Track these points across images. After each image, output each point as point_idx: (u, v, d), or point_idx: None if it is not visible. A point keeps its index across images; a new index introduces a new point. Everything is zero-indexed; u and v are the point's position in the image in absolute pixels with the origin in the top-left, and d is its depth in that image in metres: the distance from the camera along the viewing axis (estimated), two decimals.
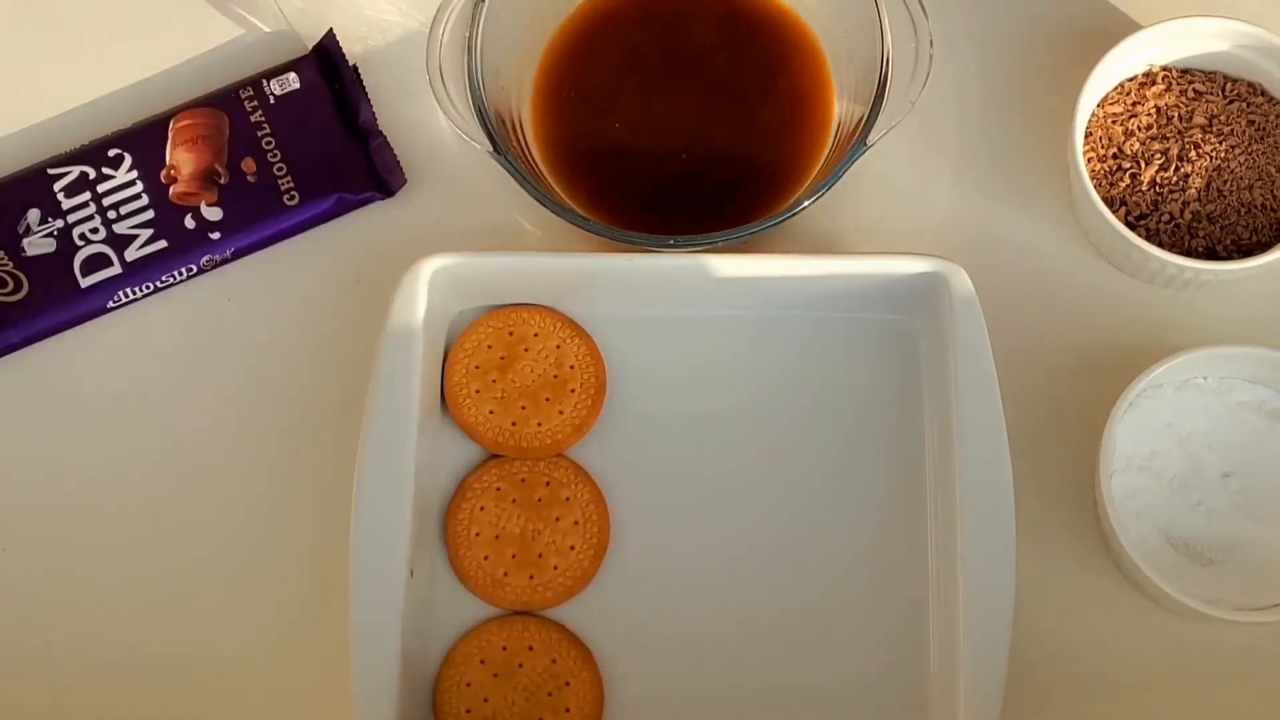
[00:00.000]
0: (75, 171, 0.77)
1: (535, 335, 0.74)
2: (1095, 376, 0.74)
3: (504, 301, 0.75)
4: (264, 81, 0.78)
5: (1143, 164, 0.74)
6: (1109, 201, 0.74)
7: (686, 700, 0.71)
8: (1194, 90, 0.75)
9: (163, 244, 0.76)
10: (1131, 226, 0.74)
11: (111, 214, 0.76)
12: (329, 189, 0.77)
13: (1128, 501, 0.71)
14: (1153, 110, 0.75)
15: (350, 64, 0.79)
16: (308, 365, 0.76)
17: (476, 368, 0.74)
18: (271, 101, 0.78)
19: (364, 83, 0.79)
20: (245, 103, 0.78)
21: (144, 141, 0.77)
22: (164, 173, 0.77)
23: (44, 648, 0.73)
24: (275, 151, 0.77)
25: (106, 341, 0.77)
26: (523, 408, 0.73)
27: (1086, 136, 0.75)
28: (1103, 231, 0.73)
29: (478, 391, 0.73)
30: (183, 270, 0.76)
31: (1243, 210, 0.74)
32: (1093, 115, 0.76)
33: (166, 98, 0.79)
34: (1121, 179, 0.74)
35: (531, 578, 0.72)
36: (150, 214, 0.76)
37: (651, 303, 0.75)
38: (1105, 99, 0.76)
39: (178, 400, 0.76)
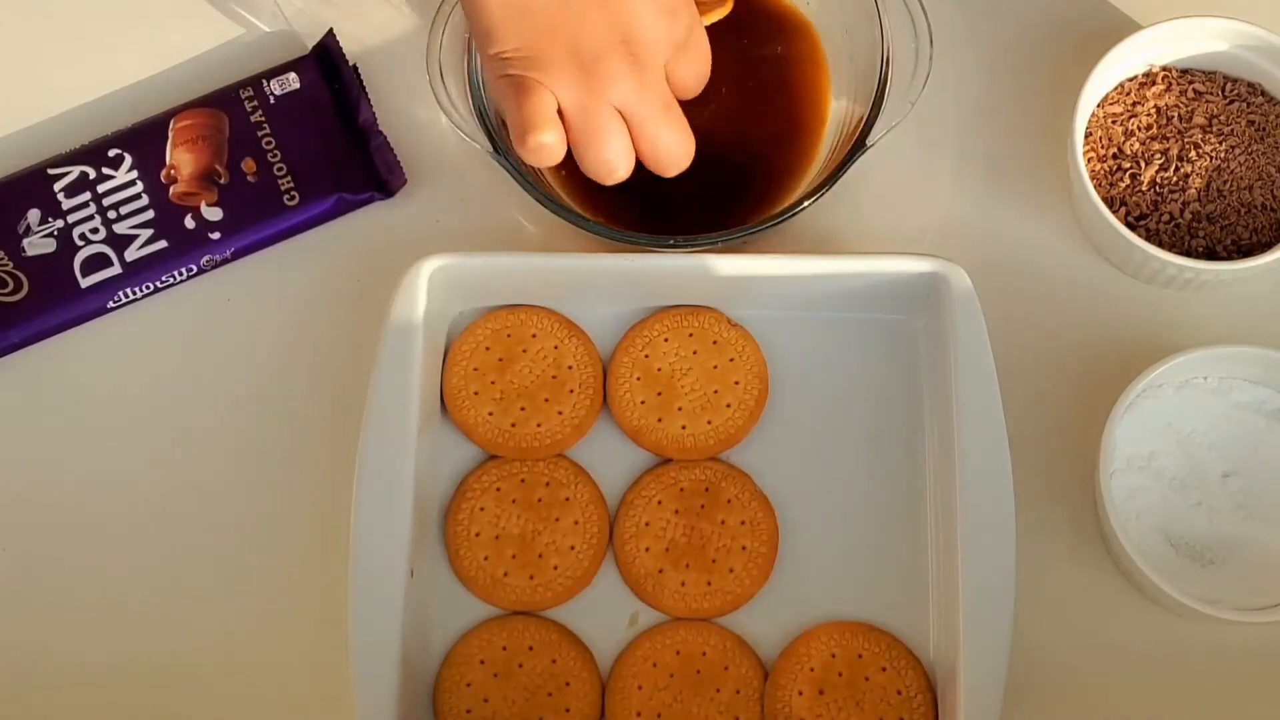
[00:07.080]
0: (75, 171, 0.77)
1: (533, 336, 0.74)
2: (1095, 376, 0.74)
3: (504, 302, 0.75)
4: (264, 81, 0.78)
5: (1143, 164, 0.74)
6: (1109, 201, 0.74)
7: None
8: (1194, 90, 0.75)
9: (163, 244, 0.76)
10: (1131, 226, 0.74)
11: (111, 214, 0.76)
12: (329, 189, 0.77)
13: (1128, 501, 0.71)
14: (1153, 110, 0.75)
15: (350, 64, 0.79)
16: (308, 365, 0.76)
17: (474, 370, 0.74)
18: (271, 101, 0.78)
19: (364, 83, 0.79)
20: (245, 103, 0.78)
21: (144, 141, 0.77)
22: (164, 173, 0.77)
23: (43, 647, 0.73)
24: (275, 151, 0.77)
25: (106, 341, 0.77)
26: (521, 409, 0.73)
27: (1086, 136, 0.75)
28: (1103, 231, 0.73)
29: (476, 393, 0.73)
30: (183, 270, 0.76)
31: (1243, 210, 0.74)
32: (1093, 115, 0.76)
33: (166, 98, 0.79)
34: (1121, 179, 0.74)
35: (531, 578, 0.72)
36: (150, 214, 0.76)
37: (651, 303, 0.75)
38: (1105, 99, 0.76)
39: (177, 400, 0.76)
